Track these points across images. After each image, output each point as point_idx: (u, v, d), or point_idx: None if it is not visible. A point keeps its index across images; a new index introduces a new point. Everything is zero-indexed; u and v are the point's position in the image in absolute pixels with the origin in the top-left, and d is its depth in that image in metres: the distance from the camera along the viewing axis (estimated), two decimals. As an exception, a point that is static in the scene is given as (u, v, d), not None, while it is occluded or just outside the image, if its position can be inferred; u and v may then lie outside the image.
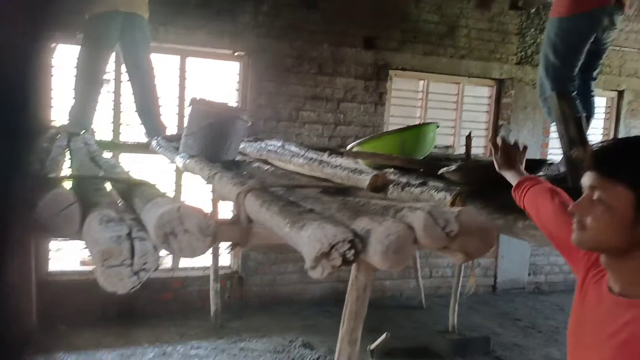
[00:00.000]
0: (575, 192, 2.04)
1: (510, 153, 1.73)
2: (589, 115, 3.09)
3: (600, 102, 5.94)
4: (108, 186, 1.88)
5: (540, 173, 2.90)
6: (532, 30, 5.90)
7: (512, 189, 1.64)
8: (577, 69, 3.05)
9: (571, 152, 2.25)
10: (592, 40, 2.98)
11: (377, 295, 5.68)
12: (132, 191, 1.53)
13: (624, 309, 1.08)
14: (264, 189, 1.80)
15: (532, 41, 5.91)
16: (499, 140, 1.77)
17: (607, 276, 1.17)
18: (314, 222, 1.34)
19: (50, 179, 1.31)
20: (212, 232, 1.01)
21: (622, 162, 1.08)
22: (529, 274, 6.31)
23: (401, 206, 1.45)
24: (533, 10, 5.86)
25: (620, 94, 6.38)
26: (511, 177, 1.69)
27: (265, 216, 1.60)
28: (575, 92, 3.04)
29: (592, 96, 3.10)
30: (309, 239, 1.29)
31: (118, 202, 1.39)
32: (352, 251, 1.29)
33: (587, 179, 1.13)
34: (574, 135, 2.30)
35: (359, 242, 1.30)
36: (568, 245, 1.32)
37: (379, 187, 2.06)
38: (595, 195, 1.09)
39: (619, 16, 2.96)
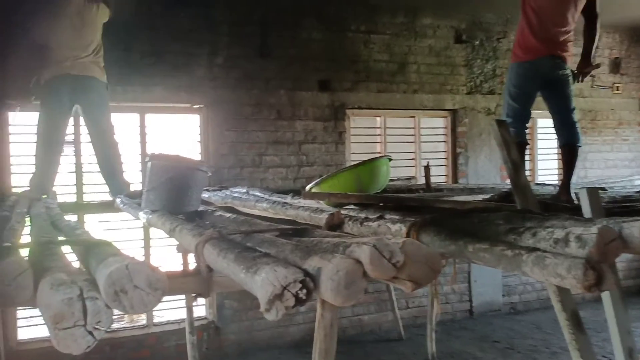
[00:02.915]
0: (521, 213, 2.14)
1: None
2: (576, 143, 3.38)
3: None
4: (68, 249, 1.90)
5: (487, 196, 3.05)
6: (478, 60, 6.18)
7: None
8: (530, 107, 3.37)
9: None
10: (542, 83, 3.34)
11: (356, 332, 5.67)
12: (89, 252, 1.56)
13: None
14: (221, 237, 1.84)
15: (479, 71, 6.18)
16: None
17: None
18: (266, 266, 1.39)
19: (4, 247, 1.34)
20: (161, 285, 1.05)
21: None
22: (503, 295, 6.40)
23: (350, 242, 1.52)
24: (477, 42, 6.16)
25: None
26: None
27: (223, 264, 1.64)
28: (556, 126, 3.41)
29: (576, 125, 3.35)
30: (262, 282, 1.33)
31: (72, 264, 1.42)
32: (304, 290, 1.33)
33: None
34: (516, 159, 2.43)
35: (310, 281, 1.35)
36: None
37: (335, 225, 2.12)
38: None
39: (562, 63, 3.28)
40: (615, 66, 6.88)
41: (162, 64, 4.93)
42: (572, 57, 3.45)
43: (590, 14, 3.38)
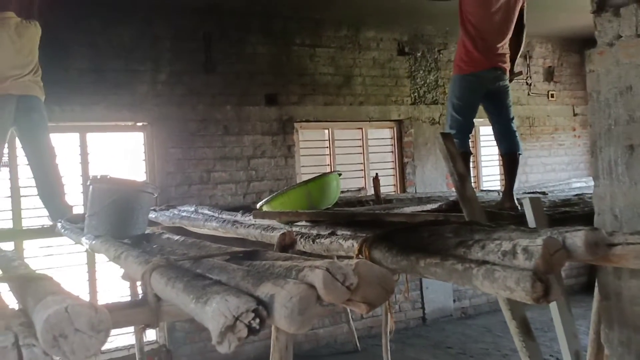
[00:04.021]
0: (469, 225, 2.18)
1: None
2: (517, 151, 3.46)
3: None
4: (4, 286, 1.79)
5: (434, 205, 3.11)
6: (421, 72, 6.33)
7: None
8: (473, 118, 3.44)
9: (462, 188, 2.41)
10: (484, 94, 3.43)
11: (312, 346, 5.64)
12: (26, 289, 1.47)
13: None
14: (169, 264, 1.78)
15: (422, 82, 6.33)
16: None
17: None
18: (217, 296, 1.34)
19: None
20: (105, 327, 0.99)
21: None
22: (454, 301, 6.53)
23: (302, 266, 1.50)
24: (419, 54, 6.31)
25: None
26: None
27: (171, 294, 1.59)
28: (497, 133, 3.49)
29: (516, 135, 3.44)
30: (213, 313, 1.29)
31: (7, 305, 1.33)
32: (257, 320, 1.30)
33: None
34: (462, 171, 2.48)
35: (262, 310, 1.32)
36: None
37: (287, 245, 2.09)
38: None
39: (503, 74, 3.38)
40: (549, 74, 7.20)
41: (103, 82, 4.78)
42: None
43: (519, 26, 3.52)
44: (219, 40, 5.29)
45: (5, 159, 4.59)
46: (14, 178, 4.55)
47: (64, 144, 4.75)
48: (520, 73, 3.79)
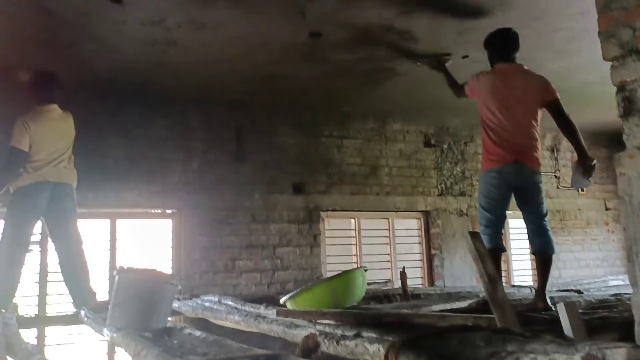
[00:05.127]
0: (501, 333, 2.08)
1: None
2: (549, 251, 3.32)
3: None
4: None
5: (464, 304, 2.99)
6: (448, 163, 6.37)
7: None
8: (502, 212, 3.40)
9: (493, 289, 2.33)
10: (511, 189, 3.36)
11: None
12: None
13: None
14: (189, 369, 1.73)
15: (449, 174, 6.36)
16: None
17: None
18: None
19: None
20: None
21: None
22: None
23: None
24: (445, 146, 6.39)
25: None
26: None
27: (189, 404, 1.53)
28: (529, 231, 3.38)
29: (548, 233, 3.33)
30: None
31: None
32: None
33: None
34: (492, 273, 2.40)
35: None
36: None
37: (310, 349, 2.02)
38: None
39: (528, 169, 3.31)
40: (578, 168, 7.14)
41: (137, 169, 4.93)
42: (542, 163, 3.48)
43: (558, 119, 3.37)
44: (249, 131, 5.47)
45: (34, 237, 4.68)
46: (42, 263, 4.61)
47: (93, 230, 4.83)
48: (593, 159, 3.45)
